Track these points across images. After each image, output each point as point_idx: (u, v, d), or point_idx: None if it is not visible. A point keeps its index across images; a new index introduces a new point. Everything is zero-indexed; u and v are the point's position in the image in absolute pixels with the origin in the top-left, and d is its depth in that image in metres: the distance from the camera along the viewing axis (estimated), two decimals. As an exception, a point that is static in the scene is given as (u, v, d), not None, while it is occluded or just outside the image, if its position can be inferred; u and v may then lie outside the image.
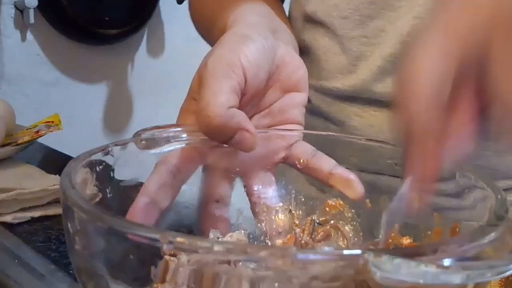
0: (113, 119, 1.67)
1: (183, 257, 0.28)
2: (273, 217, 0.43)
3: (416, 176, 0.34)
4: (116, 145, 0.39)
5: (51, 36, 1.50)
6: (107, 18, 1.54)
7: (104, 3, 1.53)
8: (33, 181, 0.68)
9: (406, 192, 0.34)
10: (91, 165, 0.37)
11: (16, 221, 0.64)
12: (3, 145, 0.79)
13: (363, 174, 0.43)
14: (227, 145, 0.39)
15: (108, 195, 0.38)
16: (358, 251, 0.25)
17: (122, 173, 0.39)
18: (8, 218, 0.63)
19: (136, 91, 1.69)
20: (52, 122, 0.86)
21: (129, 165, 0.40)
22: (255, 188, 0.43)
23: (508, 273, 0.26)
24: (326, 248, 0.39)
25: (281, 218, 0.43)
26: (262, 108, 0.45)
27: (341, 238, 0.42)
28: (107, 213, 0.29)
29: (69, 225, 0.31)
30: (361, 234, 0.42)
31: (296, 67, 0.45)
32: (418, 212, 0.35)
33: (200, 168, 0.42)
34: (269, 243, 0.42)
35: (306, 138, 0.45)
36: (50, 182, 0.68)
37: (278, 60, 0.43)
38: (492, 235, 0.28)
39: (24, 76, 1.48)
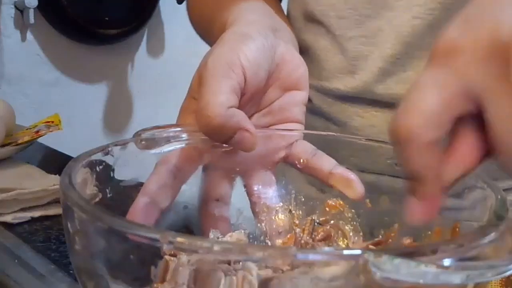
0: (113, 119, 1.67)
1: (183, 257, 0.28)
2: (273, 217, 0.43)
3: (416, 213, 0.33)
4: (116, 145, 0.39)
5: (51, 36, 1.50)
6: (107, 18, 1.54)
7: (104, 3, 1.53)
8: (33, 181, 0.68)
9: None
10: (91, 165, 0.37)
11: (16, 221, 0.64)
12: (3, 145, 0.79)
13: (363, 174, 0.43)
14: (227, 145, 0.39)
15: (108, 195, 0.38)
16: (358, 251, 0.25)
17: (122, 173, 0.39)
18: (8, 218, 0.63)
19: (136, 91, 1.69)
20: (52, 122, 0.86)
21: (129, 165, 0.40)
22: (255, 188, 0.43)
23: (508, 273, 0.26)
24: (326, 248, 0.39)
25: (281, 218, 0.43)
26: (263, 106, 0.45)
27: (341, 238, 0.42)
28: (107, 213, 0.29)
29: (69, 225, 0.31)
30: (361, 234, 0.42)
31: (296, 65, 0.44)
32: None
33: (200, 168, 0.42)
34: (269, 243, 0.42)
35: (306, 138, 0.45)
36: (50, 182, 0.68)
37: (278, 58, 0.43)
38: (492, 235, 0.28)
39: (24, 76, 1.48)
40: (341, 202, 0.43)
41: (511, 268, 0.26)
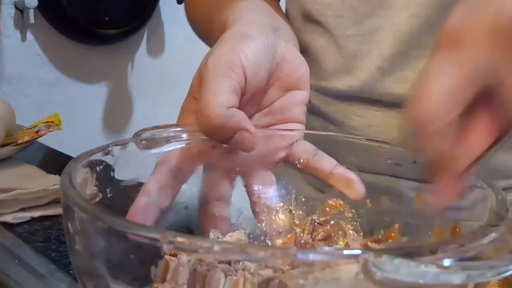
0: (113, 119, 1.67)
1: (184, 257, 0.28)
2: (273, 217, 0.43)
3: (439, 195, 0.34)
4: (116, 145, 0.39)
5: (51, 36, 1.50)
6: (107, 18, 1.54)
7: (104, 3, 1.53)
8: (33, 181, 0.68)
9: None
10: (91, 165, 0.37)
11: (16, 221, 0.64)
12: (3, 145, 0.79)
13: (363, 174, 0.43)
14: (227, 145, 0.39)
15: (108, 195, 0.38)
16: (358, 251, 0.25)
17: (122, 173, 0.39)
18: (8, 218, 0.63)
19: (136, 91, 1.69)
20: (52, 122, 0.86)
21: (129, 165, 0.40)
22: (256, 188, 0.43)
23: (508, 274, 0.26)
24: (326, 248, 0.39)
25: (282, 218, 0.43)
26: (263, 106, 0.45)
27: (341, 238, 0.42)
28: (108, 213, 0.29)
29: (69, 225, 0.31)
30: (361, 234, 0.42)
31: (297, 65, 0.44)
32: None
33: (200, 168, 0.42)
34: (270, 243, 0.42)
35: (307, 138, 0.45)
36: (50, 182, 0.68)
37: (279, 58, 0.43)
38: (493, 235, 0.28)
39: (24, 76, 1.48)
40: (341, 202, 0.43)
41: (511, 268, 0.26)
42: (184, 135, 0.41)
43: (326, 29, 0.58)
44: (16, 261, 0.55)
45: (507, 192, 0.55)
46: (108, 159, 0.38)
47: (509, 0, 0.31)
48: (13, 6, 1.43)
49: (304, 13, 0.60)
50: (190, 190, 0.41)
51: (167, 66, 1.71)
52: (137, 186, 0.39)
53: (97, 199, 0.37)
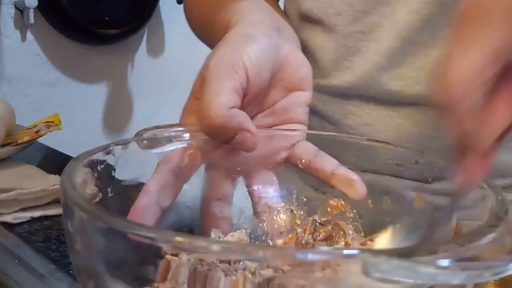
0: (113, 119, 1.67)
1: (184, 257, 0.28)
2: (274, 217, 0.43)
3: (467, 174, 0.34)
4: (118, 144, 0.39)
5: (51, 36, 1.50)
6: (107, 18, 1.54)
7: (104, 3, 1.53)
8: (33, 181, 0.68)
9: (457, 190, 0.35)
10: (92, 165, 0.37)
11: (16, 221, 0.64)
12: (3, 145, 0.79)
13: (364, 175, 0.43)
14: (229, 145, 0.39)
15: (109, 195, 0.38)
16: (356, 251, 0.25)
17: (123, 173, 0.39)
18: (8, 218, 0.63)
19: (136, 91, 1.69)
20: (52, 122, 0.86)
21: (130, 165, 0.40)
22: (257, 188, 0.43)
23: (506, 274, 0.26)
24: (324, 248, 0.39)
25: (283, 218, 0.43)
26: (266, 107, 0.45)
27: (342, 239, 0.42)
28: (108, 213, 0.29)
29: (69, 224, 0.31)
30: (362, 234, 0.42)
31: (300, 66, 0.45)
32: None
33: (201, 168, 0.42)
34: (271, 243, 0.42)
35: (308, 138, 0.45)
36: (50, 182, 0.68)
37: (282, 58, 0.43)
38: (491, 236, 0.28)
39: (24, 76, 1.48)
40: (343, 203, 0.43)
41: (509, 269, 0.26)
42: (186, 135, 0.41)
43: (326, 27, 0.58)
44: (16, 261, 0.55)
45: (505, 191, 0.55)
46: (109, 159, 0.38)
47: None
48: (13, 6, 1.43)
49: (301, 13, 0.60)
50: (192, 190, 0.41)
51: (167, 66, 1.71)
52: (138, 186, 0.39)
53: (98, 199, 0.37)
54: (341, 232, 0.42)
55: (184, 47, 1.61)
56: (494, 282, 0.41)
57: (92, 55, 1.58)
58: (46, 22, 1.48)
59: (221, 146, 0.41)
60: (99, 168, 0.38)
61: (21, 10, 1.43)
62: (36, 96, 1.50)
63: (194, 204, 0.42)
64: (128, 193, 0.39)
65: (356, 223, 0.43)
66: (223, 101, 0.37)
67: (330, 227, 0.42)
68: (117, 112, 1.67)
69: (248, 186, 0.44)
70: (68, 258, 0.34)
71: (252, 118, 0.43)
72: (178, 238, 0.26)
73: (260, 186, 0.43)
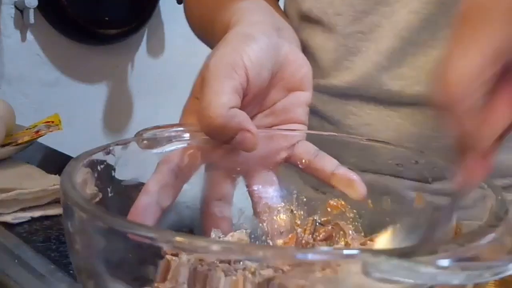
0: (113, 119, 1.67)
1: (184, 257, 0.28)
2: (274, 217, 0.43)
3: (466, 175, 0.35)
4: (118, 144, 0.39)
5: (51, 36, 1.50)
6: (107, 18, 1.54)
7: (104, 3, 1.53)
8: (33, 181, 0.68)
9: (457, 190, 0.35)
10: (92, 165, 0.37)
11: (16, 221, 0.64)
12: (3, 145, 0.79)
13: (364, 175, 0.43)
14: (229, 145, 0.39)
15: (109, 195, 0.38)
16: (355, 251, 0.25)
17: (123, 173, 0.39)
18: (8, 218, 0.63)
19: (136, 91, 1.69)
20: (52, 122, 0.86)
21: (130, 165, 0.40)
22: (257, 188, 0.43)
23: (505, 274, 0.26)
24: (324, 248, 0.39)
25: (283, 218, 0.43)
26: (266, 107, 0.45)
27: (342, 239, 0.42)
28: (108, 213, 0.29)
29: (69, 224, 0.31)
30: (362, 234, 0.42)
31: (300, 66, 0.45)
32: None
33: (201, 168, 0.42)
34: (271, 243, 0.42)
35: (308, 138, 0.45)
36: (50, 182, 0.68)
37: (282, 58, 0.43)
38: (491, 236, 0.28)
39: (24, 76, 1.48)
40: (343, 203, 0.43)
41: (509, 269, 0.26)
42: (186, 135, 0.41)
43: (326, 27, 0.58)
44: (16, 261, 0.55)
45: (504, 191, 0.55)
46: (109, 159, 0.38)
47: None
48: (13, 6, 1.43)
49: (301, 13, 0.60)
50: (192, 190, 0.41)
51: (167, 66, 1.71)
52: (138, 186, 0.39)
53: (98, 199, 0.37)
54: (341, 232, 0.42)
55: (184, 47, 1.61)
56: (494, 282, 0.41)
57: (92, 55, 1.58)
58: (46, 22, 1.48)
59: (221, 146, 0.41)
60: (99, 168, 0.38)
61: (21, 10, 1.43)
62: (36, 96, 1.50)
63: (194, 204, 0.42)
64: (128, 193, 0.39)
65: (356, 223, 0.43)
66: (223, 101, 0.37)
67: (330, 227, 0.42)
68: (117, 112, 1.67)
69: (248, 186, 0.44)
70: (68, 258, 0.34)
71: (252, 118, 0.43)
72: (177, 238, 0.26)
73: (260, 186, 0.43)
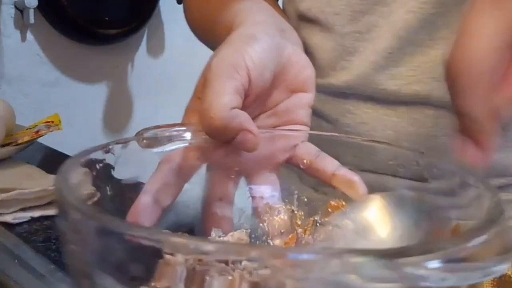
0: (113, 119, 1.67)
1: (180, 256, 0.28)
2: (275, 217, 0.43)
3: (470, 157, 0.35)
4: (118, 143, 0.39)
5: (51, 36, 1.50)
6: (107, 18, 1.54)
7: (104, 3, 1.53)
8: (33, 181, 0.68)
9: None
10: (90, 164, 0.37)
11: (16, 221, 0.64)
12: (3, 145, 0.79)
13: (365, 175, 0.43)
14: (230, 144, 0.39)
15: (108, 194, 0.38)
16: (342, 250, 0.25)
17: (123, 172, 0.39)
18: (8, 218, 0.63)
19: (136, 91, 1.69)
20: (52, 122, 0.86)
21: (130, 164, 0.39)
22: (258, 188, 0.43)
23: (494, 275, 0.26)
24: (309, 247, 0.39)
25: (283, 218, 0.43)
26: (268, 108, 0.45)
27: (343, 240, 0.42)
28: (102, 213, 0.28)
29: (63, 224, 0.31)
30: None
31: (303, 67, 0.45)
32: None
33: (203, 168, 0.42)
34: (271, 243, 0.42)
35: (309, 138, 0.45)
36: (50, 182, 0.68)
37: (285, 59, 0.43)
38: (482, 238, 0.27)
39: (24, 76, 1.48)
40: (344, 203, 0.43)
41: (497, 270, 0.26)
42: (187, 135, 0.41)
43: (323, 27, 0.58)
44: (16, 261, 0.55)
45: (501, 191, 0.55)
46: (109, 158, 0.38)
47: None
48: (13, 6, 1.43)
49: (299, 12, 0.60)
50: (193, 189, 0.41)
51: (167, 66, 1.71)
52: (138, 185, 0.39)
53: (95, 199, 0.37)
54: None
55: (184, 47, 1.61)
56: (492, 283, 0.41)
57: (92, 55, 1.58)
58: (46, 22, 1.48)
59: (223, 146, 0.41)
60: (98, 166, 0.37)
61: (21, 10, 1.43)
62: (36, 96, 1.50)
63: (195, 203, 0.42)
64: (128, 192, 0.39)
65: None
66: (225, 101, 0.37)
67: (330, 228, 0.42)
68: (117, 112, 1.67)
69: (249, 186, 0.44)
70: (68, 258, 0.34)
71: (254, 118, 0.43)
72: (173, 239, 0.26)
73: (261, 186, 0.43)
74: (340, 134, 0.47)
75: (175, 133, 0.40)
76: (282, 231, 0.43)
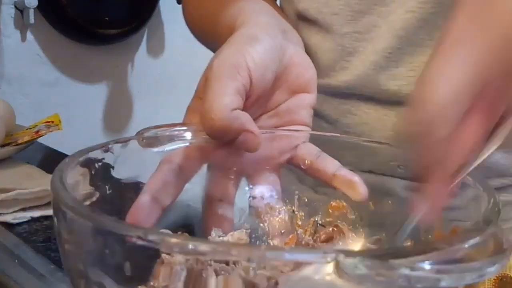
0: (113, 119, 1.67)
1: (179, 256, 0.28)
2: (276, 218, 0.43)
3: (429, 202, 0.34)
4: (117, 142, 0.39)
5: (51, 36, 1.50)
6: (107, 18, 1.54)
7: (104, 3, 1.53)
8: (33, 181, 0.68)
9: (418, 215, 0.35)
10: (88, 163, 0.37)
11: (16, 221, 0.64)
12: (3, 145, 0.79)
13: (366, 176, 0.43)
14: (231, 144, 0.39)
15: (107, 193, 0.38)
16: (330, 251, 0.25)
17: (122, 172, 0.39)
18: (8, 218, 0.63)
19: (136, 91, 1.69)
20: (52, 122, 0.86)
21: (129, 163, 0.39)
22: (259, 188, 0.43)
23: (486, 277, 0.26)
24: (298, 248, 0.39)
25: (284, 218, 0.43)
26: (270, 108, 0.45)
27: (343, 240, 0.42)
28: (98, 214, 0.28)
29: (59, 225, 0.31)
30: (363, 236, 0.42)
31: (305, 68, 0.45)
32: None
33: (203, 168, 0.42)
34: (271, 243, 0.42)
35: (309, 139, 0.45)
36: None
37: (287, 60, 0.43)
38: (476, 239, 0.27)
39: (24, 76, 1.48)
40: (344, 204, 0.43)
41: (490, 272, 0.26)
42: (188, 134, 0.41)
43: (322, 27, 0.58)
44: (16, 261, 0.55)
45: (500, 192, 0.55)
46: (108, 157, 0.38)
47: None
48: (13, 6, 1.43)
49: (298, 12, 0.60)
50: (194, 189, 0.41)
51: (167, 66, 1.71)
52: (138, 185, 0.39)
53: (94, 198, 0.37)
54: (342, 234, 0.41)
55: (184, 47, 1.61)
56: (493, 283, 0.41)
57: (92, 55, 1.58)
58: (46, 22, 1.48)
59: (224, 146, 0.40)
60: (96, 166, 0.37)
61: (21, 10, 1.43)
62: (36, 96, 1.50)
63: (196, 203, 0.42)
64: (127, 192, 0.39)
65: (357, 225, 0.43)
66: (226, 102, 0.37)
67: (331, 229, 0.42)
68: (117, 112, 1.67)
69: (250, 186, 0.44)
70: (68, 258, 0.34)
71: (256, 119, 0.43)
72: (167, 239, 0.26)
73: (262, 187, 0.43)
74: (341, 135, 0.47)
75: (175, 132, 0.40)
76: (282, 231, 0.43)
